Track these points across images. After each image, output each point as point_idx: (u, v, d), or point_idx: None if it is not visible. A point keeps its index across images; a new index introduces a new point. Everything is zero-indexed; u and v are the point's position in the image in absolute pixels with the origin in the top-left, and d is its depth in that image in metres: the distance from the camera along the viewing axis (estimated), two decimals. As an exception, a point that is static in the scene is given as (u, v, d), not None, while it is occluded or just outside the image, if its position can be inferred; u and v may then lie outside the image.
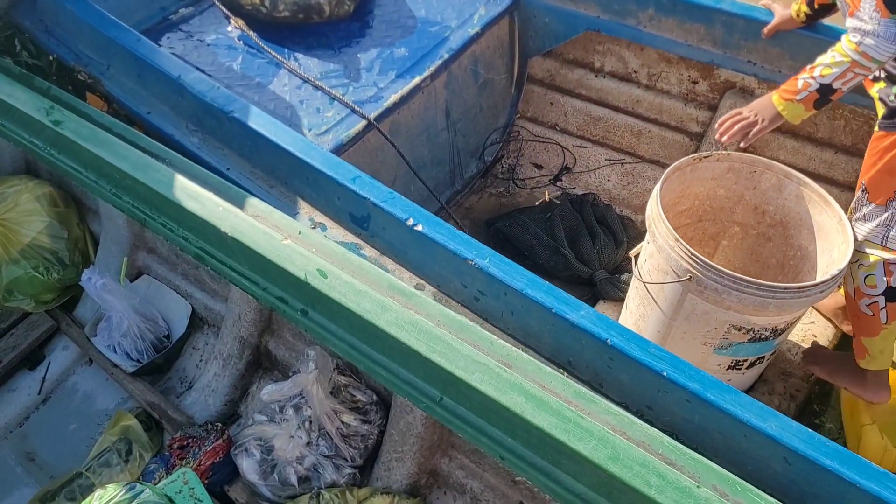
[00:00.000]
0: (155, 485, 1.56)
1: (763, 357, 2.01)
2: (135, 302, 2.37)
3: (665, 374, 1.43)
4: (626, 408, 1.52)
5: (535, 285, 1.65)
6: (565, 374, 1.55)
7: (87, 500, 1.49)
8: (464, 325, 1.58)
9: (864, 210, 1.83)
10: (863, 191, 1.84)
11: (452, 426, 1.58)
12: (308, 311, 1.83)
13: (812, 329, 2.24)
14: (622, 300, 2.40)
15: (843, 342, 2.25)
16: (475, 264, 1.71)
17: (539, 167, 3.20)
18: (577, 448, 1.28)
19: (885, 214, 1.79)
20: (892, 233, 1.79)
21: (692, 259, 1.82)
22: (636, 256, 2.17)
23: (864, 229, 1.83)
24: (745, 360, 2.00)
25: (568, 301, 1.62)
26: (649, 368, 1.46)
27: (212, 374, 2.28)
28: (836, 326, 2.25)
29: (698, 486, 1.19)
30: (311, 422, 1.99)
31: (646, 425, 1.34)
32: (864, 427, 1.86)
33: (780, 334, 1.93)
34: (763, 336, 1.91)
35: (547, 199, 2.98)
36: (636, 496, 1.22)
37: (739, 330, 1.90)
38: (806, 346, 2.21)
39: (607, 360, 1.55)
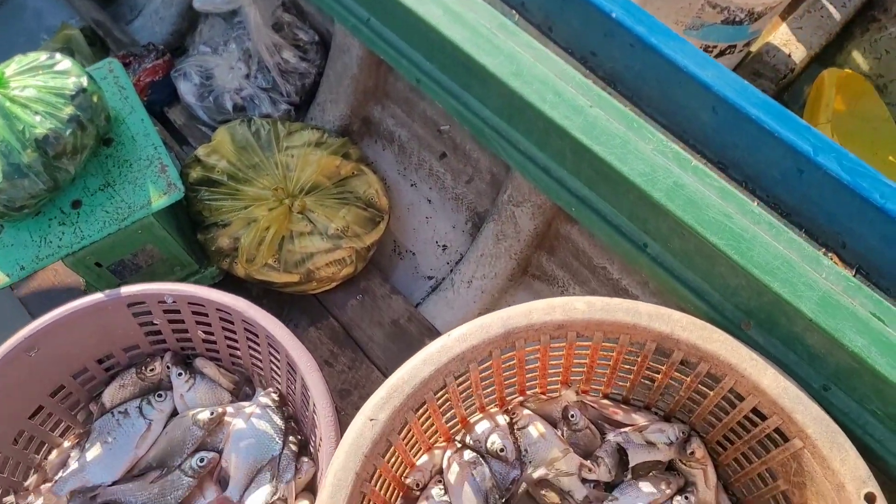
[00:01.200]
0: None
1: (734, 46, 1.88)
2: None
3: (613, 15, 1.32)
4: (572, 54, 1.43)
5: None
6: (516, 15, 1.44)
7: (6, 63, 1.46)
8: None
9: None
10: None
11: (376, 48, 1.50)
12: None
13: (798, 34, 2.07)
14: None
15: (823, 54, 2.10)
16: None
17: None
18: (483, 62, 1.22)
19: None
20: None
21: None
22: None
23: None
24: (715, 47, 1.87)
25: (527, -66, 1.45)
26: (600, 10, 1.34)
27: (159, 0, 2.16)
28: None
29: (591, 107, 1.14)
30: (251, 55, 1.92)
31: (559, 60, 1.26)
32: (819, 125, 1.79)
33: (755, 20, 1.78)
34: (738, 19, 1.76)
35: None
36: (532, 112, 1.18)
37: (714, 7, 1.75)
38: (786, 51, 2.06)
39: (560, 1, 1.42)
